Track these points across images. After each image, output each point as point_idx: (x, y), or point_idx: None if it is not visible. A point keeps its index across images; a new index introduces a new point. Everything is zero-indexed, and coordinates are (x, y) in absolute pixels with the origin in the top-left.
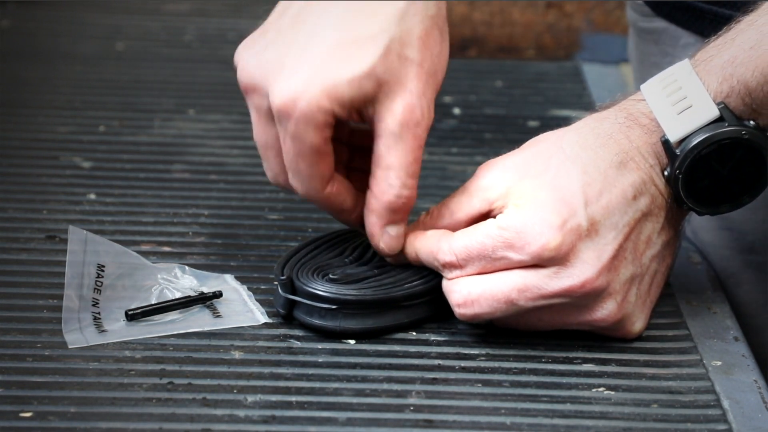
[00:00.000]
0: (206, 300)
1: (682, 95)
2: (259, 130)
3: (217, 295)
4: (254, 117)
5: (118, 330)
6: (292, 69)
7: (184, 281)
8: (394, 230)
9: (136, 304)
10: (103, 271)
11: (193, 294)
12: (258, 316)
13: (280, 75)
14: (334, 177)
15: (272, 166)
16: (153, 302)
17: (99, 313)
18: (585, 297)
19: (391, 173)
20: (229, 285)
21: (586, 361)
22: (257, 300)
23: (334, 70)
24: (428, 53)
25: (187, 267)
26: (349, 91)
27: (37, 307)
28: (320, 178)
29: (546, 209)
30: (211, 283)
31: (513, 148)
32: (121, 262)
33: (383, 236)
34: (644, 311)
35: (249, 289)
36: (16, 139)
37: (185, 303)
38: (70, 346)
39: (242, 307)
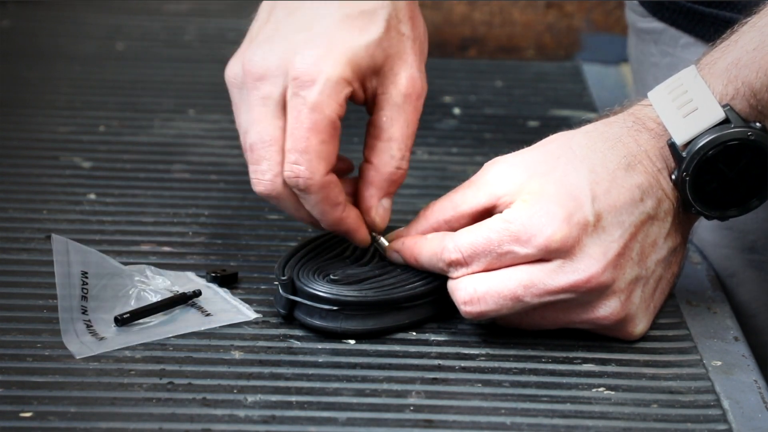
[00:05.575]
0: (188, 299)
1: (688, 98)
2: (264, 125)
3: (197, 293)
4: (259, 112)
5: (116, 337)
6: (308, 43)
7: (156, 282)
8: (387, 203)
9: (119, 309)
10: (87, 278)
11: (168, 293)
12: (245, 311)
13: (296, 53)
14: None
15: (273, 166)
16: (132, 305)
17: (89, 321)
18: (589, 293)
19: (393, 145)
20: (195, 282)
21: (586, 361)
22: (257, 300)
23: (350, 39)
24: (417, 30)
25: (153, 267)
26: (366, 58)
27: (37, 307)
28: (327, 159)
29: (552, 203)
30: (180, 281)
31: (513, 148)
32: (100, 271)
33: (378, 209)
34: (647, 315)
35: (249, 289)
36: (16, 139)
37: (170, 304)
38: (77, 357)
39: (225, 305)
